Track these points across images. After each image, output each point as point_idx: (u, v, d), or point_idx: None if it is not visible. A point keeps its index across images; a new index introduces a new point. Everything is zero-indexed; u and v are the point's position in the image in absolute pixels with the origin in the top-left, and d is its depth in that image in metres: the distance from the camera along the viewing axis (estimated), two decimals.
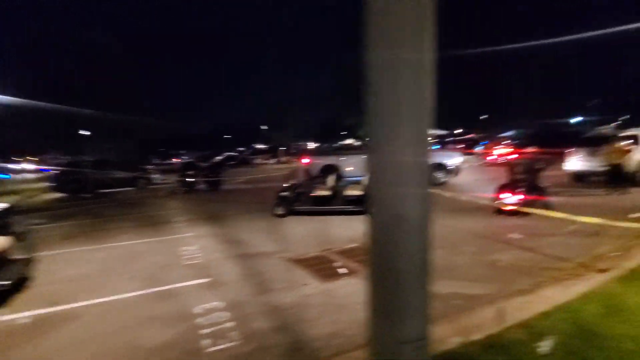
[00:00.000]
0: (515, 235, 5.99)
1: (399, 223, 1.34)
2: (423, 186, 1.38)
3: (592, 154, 10.48)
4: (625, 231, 5.49)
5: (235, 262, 5.40)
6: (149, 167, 19.93)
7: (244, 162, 35.03)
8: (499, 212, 7.48)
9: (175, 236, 7.21)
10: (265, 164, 34.47)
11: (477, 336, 2.85)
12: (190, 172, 14.56)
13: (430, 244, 1.52)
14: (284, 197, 8.53)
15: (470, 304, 3.60)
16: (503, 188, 7.61)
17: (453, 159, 13.23)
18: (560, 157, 12.19)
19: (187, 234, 7.32)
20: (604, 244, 5.20)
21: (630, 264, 4.22)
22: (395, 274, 1.38)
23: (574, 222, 5.32)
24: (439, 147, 26.49)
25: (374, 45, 1.27)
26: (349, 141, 33.32)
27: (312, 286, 4.34)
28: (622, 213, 7.21)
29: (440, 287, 4.14)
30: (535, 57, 35.72)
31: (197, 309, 3.82)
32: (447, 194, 8.19)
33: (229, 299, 4.03)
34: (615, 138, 10.02)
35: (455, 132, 43.42)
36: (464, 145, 26.79)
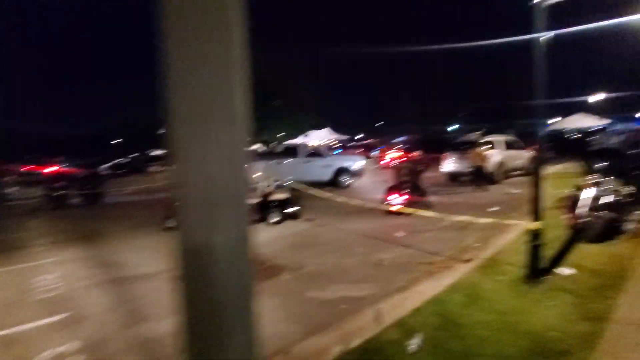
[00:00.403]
0: (399, 234, 6.49)
1: (208, 250, 1.15)
2: (239, 205, 1.22)
3: (461, 157, 12.15)
4: (484, 225, 6.38)
5: (105, 290, 4.65)
6: (5, 178, 16.36)
7: (136, 170, 31.49)
8: (388, 212, 8.05)
9: (31, 264, 5.96)
10: (162, 171, 31.59)
11: (357, 341, 2.89)
12: (58, 184, 12.27)
13: (251, 272, 1.32)
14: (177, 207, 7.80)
15: (356, 307, 3.69)
16: (390, 190, 8.23)
17: (356, 163, 13.92)
18: (439, 160, 13.85)
19: (47, 260, 6.11)
20: (469, 237, 5.94)
21: (487, 253, 4.87)
22: (210, 306, 1.18)
23: (443, 220, 5.96)
24: (340, 151, 27.75)
25: (171, 38, 1.08)
26: (256, 146, 32.75)
27: None
28: (482, 208, 8.46)
29: (330, 292, 4.20)
30: (421, 69, 40.43)
31: (44, 356, 3.12)
32: (339, 199, 8.48)
33: (88, 337, 3.40)
34: (477, 144, 11.78)
35: (357, 137, 46.28)
36: (362, 150, 28.59)
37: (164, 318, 3.72)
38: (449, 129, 44.35)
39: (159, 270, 5.26)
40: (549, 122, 32.43)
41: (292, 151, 13.63)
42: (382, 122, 47.35)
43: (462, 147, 12.32)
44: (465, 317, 3.13)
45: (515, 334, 2.79)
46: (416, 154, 15.91)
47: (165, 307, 3.96)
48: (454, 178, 13.00)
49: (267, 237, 6.89)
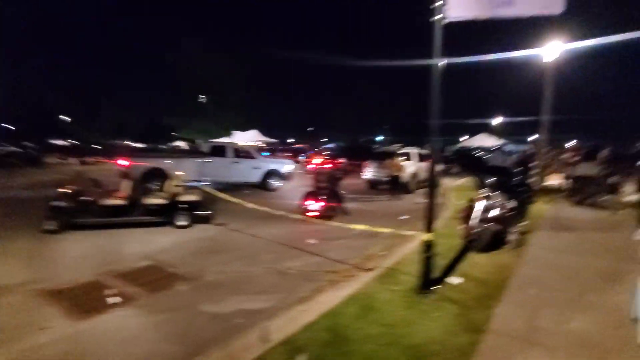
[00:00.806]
0: (311, 241, 6.39)
1: None
2: None
3: (380, 166, 12.68)
4: (392, 233, 6.61)
5: None
6: None
7: (32, 161, 27.29)
8: (304, 218, 7.96)
9: None
10: (62, 164, 27.84)
11: None
12: None
13: None
14: (59, 207, 6.72)
15: (252, 321, 3.43)
16: (308, 196, 8.16)
17: (285, 166, 13.68)
18: (361, 168, 14.32)
19: None
20: (376, 244, 6.07)
21: (390, 261, 4.98)
22: None
23: (353, 229, 6.01)
24: (268, 154, 27.29)
25: None
26: (180, 143, 30.55)
27: (54, 330, 3.32)
28: (394, 216, 8.85)
29: (226, 305, 3.88)
30: (353, 79, 41.82)
31: None
32: (255, 203, 8.16)
33: None
34: (395, 154, 12.39)
35: (288, 141, 46.14)
36: (290, 154, 28.49)
37: (6, 344, 3.05)
38: (377, 139, 46.61)
39: (23, 281, 4.41)
40: (460, 139, 36.23)
41: (219, 151, 12.92)
42: (313, 128, 48.06)
43: (381, 157, 12.88)
44: (355, 331, 3.07)
45: (400, 348, 2.79)
46: (335, 160, 16.26)
47: (11, 329, 3.28)
48: (373, 186, 13.51)
49: (171, 242, 6.29)
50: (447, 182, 14.26)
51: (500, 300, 3.64)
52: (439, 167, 15.16)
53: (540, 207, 9.23)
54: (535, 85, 12.71)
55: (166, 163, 11.00)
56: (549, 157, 14.83)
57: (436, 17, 3.15)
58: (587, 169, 9.80)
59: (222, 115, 27.05)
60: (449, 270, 4.50)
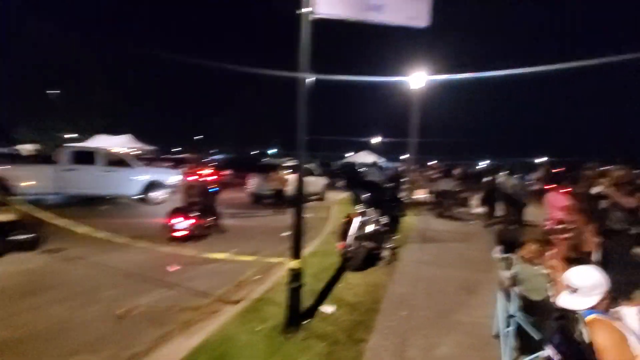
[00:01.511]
0: (172, 268, 5.36)
1: None
2: None
3: (264, 179, 12.13)
4: (257, 260, 6.05)
5: None
6: None
7: None
8: (171, 238, 6.81)
9: None
10: None
11: None
12: None
13: None
14: None
15: None
16: (175, 213, 7.03)
17: (171, 177, 11.86)
18: (246, 181, 13.51)
19: None
20: (252, 267, 5.40)
21: (261, 289, 4.36)
22: None
23: (210, 258, 5.25)
24: (144, 163, 24.10)
25: None
26: (26, 146, 24.42)
27: None
28: (276, 232, 8.35)
29: None
30: (246, 89, 40.63)
31: None
32: (79, 230, 6.66)
33: None
34: (279, 167, 12.03)
35: (175, 149, 42.14)
36: (171, 164, 25.75)
37: None
38: (269, 151, 46.15)
39: None
40: (346, 155, 38.66)
41: (86, 157, 10.57)
42: (201, 137, 44.97)
43: (265, 170, 12.36)
44: None
45: None
46: (219, 172, 15.14)
47: None
48: (257, 200, 12.85)
49: None
50: (332, 196, 14.57)
51: (373, 328, 3.38)
52: (323, 182, 15.63)
53: (409, 220, 9.94)
54: (406, 109, 14.09)
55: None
56: (416, 173, 16.60)
57: (304, 10, 2.77)
58: (445, 185, 11.05)
59: (80, 116, 22.83)
60: (323, 296, 4.14)
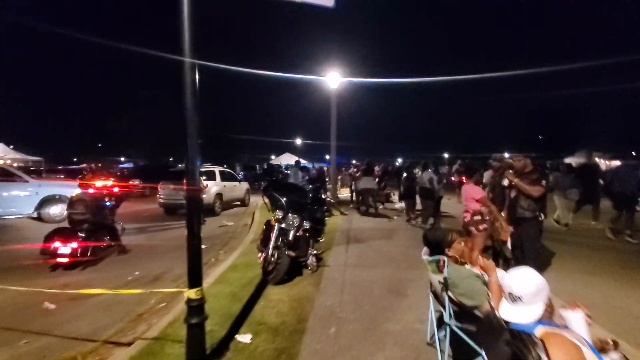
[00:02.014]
0: (49, 306, 4.23)
1: None
2: None
3: (176, 188, 10.91)
4: (184, 272, 5.23)
5: None
6: None
7: None
8: (52, 266, 5.53)
9: None
10: None
11: None
12: None
13: None
14: None
15: None
16: (57, 233, 5.74)
17: (71, 190, 9.95)
18: (157, 191, 12.05)
19: None
20: (156, 293, 4.53)
21: (162, 323, 3.58)
22: None
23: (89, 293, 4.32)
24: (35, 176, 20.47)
25: None
26: None
27: None
28: None
29: None
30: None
31: None
32: None
33: None
34: None
35: (75, 159, 36.78)
36: (64, 176, 22.26)
37: None
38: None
39: None
40: (272, 157, 37.91)
41: None
42: (100, 145, 40.06)
43: (178, 177, 11.11)
44: None
45: None
46: (124, 182, 13.40)
47: None
48: (169, 211, 11.55)
49: None
50: (257, 201, 13.84)
51: (298, 356, 2.90)
52: (245, 186, 14.80)
53: (335, 221, 9.77)
54: (327, 110, 14.04)
55: None
56: (339, 173, 16.74)
57: None
58: (367, 183, 11.15)
59: None
60: (241, 320, 3.55)
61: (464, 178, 6.09)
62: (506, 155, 7.76)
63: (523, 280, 1.64)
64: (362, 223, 9.56)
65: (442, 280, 2.42)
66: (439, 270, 2.47)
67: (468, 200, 4.78)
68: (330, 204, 10.97)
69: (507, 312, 1.64)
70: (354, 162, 14.46)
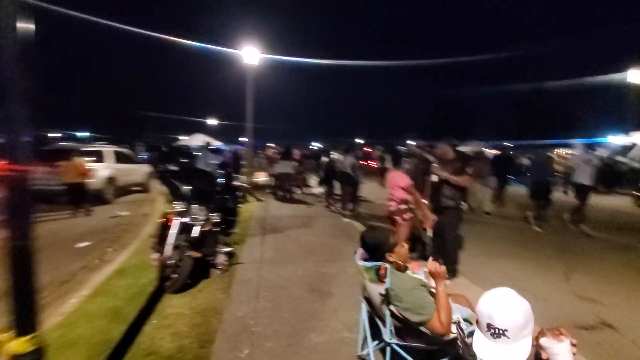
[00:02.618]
0: None
1: None
2: None
3: (52, 170, 8.83)
4: (51, 281, 3.99)
5: None
6: None
7: None
8: None
9: None
10: None
11: None
12: None
13: None
14: None
15: None
16: None
17: None
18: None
19: None
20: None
21: None
22: None
23: None
24: None
25: None
26: None
27: None
28: (70, 242, 5.98)
29: None
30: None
31: None
32: None
33: None
34: (76, 153, 8.99)
35: None
36: None
37: None
38: (79, 134, 36.94)
39: None
40: (180, 138, 34.50)
41: None
42: None
43: (56, 157, 8.99)
44: None
45: None
46: None
47: None
48: (44, 198, 9.38)
49: None
50: (158, 187, 12.20)
51: None
52: (146, 169, 12.94)
53: (250, 208, 9.01)
54: (243, 90, 12.90)
55: None
56: (256, 156, 15.82)
57: None
58: (284, 167, 10.58)
59: None
60: (122, 349, 2.69)
61: (390, 165, 5.86)
62: (413, 143, 7.92)
63: (507, 309, 1.22)
64: (280, 210, 8.99)
65: (383, 292, 1.96)
66: (379, 279, 2.02)
67: (394, 188, 4.52)
68: (245, 190, 10.14)
69: (488, 353, 1.22)
70: (270, 145, 13.68)
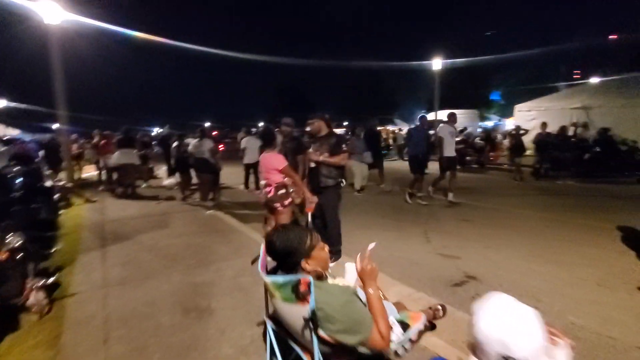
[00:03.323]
0: None
1: None
2: None
3: None
4: None
5: None
6: None
7: None
8: None
9: None
10: None
11: None
12: None
13: None
14: None
15: None
16: None
17: None
18: None
19: None
20: None
21: None
22: None
23: None
24: None
25: None
26: None
27: None
28: None
29: None
30: None
31: None
32: None
33: None
34: None
35: None
36: None
37: None
38: None
39: None
40: None
41: None
42: None
43: None
44: None
45: None
46: None
47: None
48: None
49: None
50: None
51: None
52: None
53: (78, 214, 6.98)
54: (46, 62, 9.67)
55: None
56: (80, 146, 12.57)
57: None
58: (125, 157, 8.65)
59: None
60: None
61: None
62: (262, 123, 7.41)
63: (524, 329, 0.89)
64: (122, 210, 7.27)
65: (307, 315, 1.44)
66: (299, 298, 1.48)
67: (269, 171, 3.98)
68: (67, 191, 7.82)
69: None
70: (103, 132, 10.91)
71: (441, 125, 7.71)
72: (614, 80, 17.07)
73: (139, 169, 9.54)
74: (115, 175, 9.19)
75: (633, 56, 27.79)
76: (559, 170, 9.91)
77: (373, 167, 9.36)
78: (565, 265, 4.03)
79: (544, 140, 10.12)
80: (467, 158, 12.93)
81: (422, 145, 7.63)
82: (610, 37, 31.06)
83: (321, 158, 4.08)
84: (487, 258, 4.36)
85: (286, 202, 3.94)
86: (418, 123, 8.16)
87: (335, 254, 4.26)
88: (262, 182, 4.20)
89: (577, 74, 33.53)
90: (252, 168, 9.14)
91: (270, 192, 3.97)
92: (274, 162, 3.96)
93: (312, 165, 4.20)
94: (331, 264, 4.32)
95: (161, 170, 11.95)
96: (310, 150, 4.25)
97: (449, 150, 7.23)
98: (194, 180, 8.46)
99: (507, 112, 27.83)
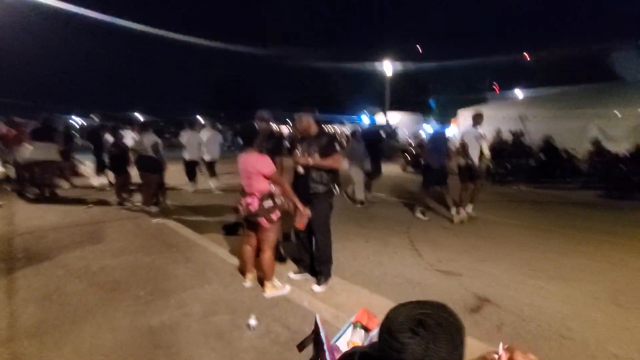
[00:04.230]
0: None
1: None
2: None
3: None
4: None
5: None
6: None
7: None
8: None
9: None
10: None
11: None
12: None
13: None
14: None
15: None
16: None
17: None
18: None
19: None
20: None
21: None
22: None
23: None
24: None
25: None
26: None
27: None
28: None
29: None
30: None
31: None
32: None
33: None
34: None
35: None
36: None
37: None
38: None
39: None
40: None
41: None
42: None
43: None
44: None
45: None
46: None
47: None
48: None
49: None
50: None
51: None
52: None
53: None
54: None
55: None
56: None
57: None
58: (42, 152, 7.00)
59: None
60: None
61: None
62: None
63: None
64: (39, 218, 5.77)
65: None
66: None
67: (253, 177, 3.14)
68: None
69: None
70: (4, 118, 8.83)
71: (465, 129, 6.59)
72: (544, 92, 18.65)
73: (59, 165, 7.87)
74: (27, 175, 7.45)
75: (544, 72, 30.85)
76: (513, 175, 10.27)
77: (373, 178, 7.76)
78: (573, 282, 3.79)
79: (499, 147, 10.44)
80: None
81: (444, 153, 6.31)
82: (523, 54, 33.97)
83: (313, 162, 3.35)
84: (487, 274, 3.99)
85: (274, 216, 3.14)
86: (439, 126, 7.21)
87: (325, 275, 3.57)
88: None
89: (495, 86, 36.11)
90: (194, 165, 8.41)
91: (251, 203, 3.13)
92: (257, 165, 3.12)
93: (301, 171, 3.44)
94: (320, 288, 3.63)
95: (88, 167, 10.15)
96: (297, 152, 3.50)
97: (474, 158, 6.07)
98: (134, 180, 7.14)
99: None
